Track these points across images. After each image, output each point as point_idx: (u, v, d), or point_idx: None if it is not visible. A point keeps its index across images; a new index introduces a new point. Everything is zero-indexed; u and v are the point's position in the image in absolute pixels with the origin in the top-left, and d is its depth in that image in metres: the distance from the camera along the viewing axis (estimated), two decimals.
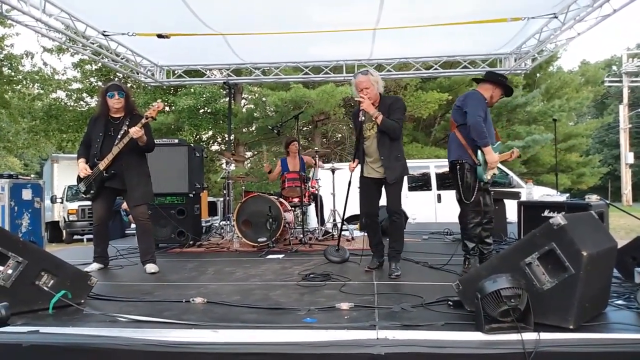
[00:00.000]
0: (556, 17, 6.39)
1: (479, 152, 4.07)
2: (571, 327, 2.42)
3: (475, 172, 4.12)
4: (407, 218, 7.42)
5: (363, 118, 4.19)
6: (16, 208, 6.83)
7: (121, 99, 4.44)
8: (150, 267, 4.46)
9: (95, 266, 4.58)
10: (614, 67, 35.50)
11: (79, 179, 4.54)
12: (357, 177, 4.38)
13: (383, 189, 4.26)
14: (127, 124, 4.44)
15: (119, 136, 4.39)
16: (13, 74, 17.78)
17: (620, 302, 2.99)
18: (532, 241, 2.58)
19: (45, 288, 3.01)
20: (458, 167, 4.17)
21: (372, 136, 4.23)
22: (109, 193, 4.58)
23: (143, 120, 4.33)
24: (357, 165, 4.37)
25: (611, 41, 62.34)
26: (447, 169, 10.81)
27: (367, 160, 4.30)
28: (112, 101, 4.43)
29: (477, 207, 4.15)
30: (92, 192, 4.49)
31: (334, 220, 6.90)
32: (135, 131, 4.25)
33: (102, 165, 4.39)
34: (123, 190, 4.53)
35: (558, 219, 2.49)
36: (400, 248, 4.25)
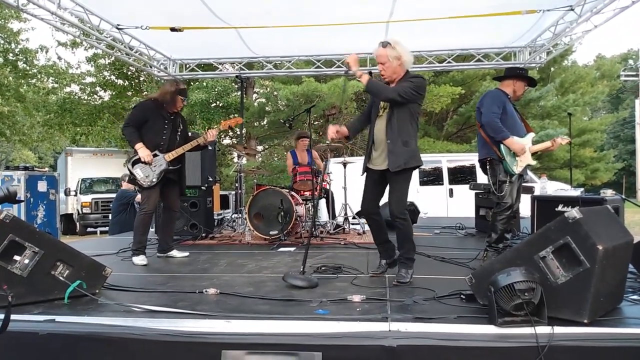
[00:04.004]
0: (572, 10, 6.29)
1: (502, 146, 4.19)
2: (585, 321, 2.40)
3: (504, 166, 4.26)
4: (418, 212, 7.38)
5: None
6: (32, 200, 6.93)
7: (185, 102, 4.90)
8: (177, 252, 4.87)
9: (142, 259, 4.55)
10: (631, 61, 34.88)
11: (136, 164, 4.53)
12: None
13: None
14: (181, 122, 4.86)
15: (179, 132, 4.79)
16: (28, 68, 17.95)
17: (635, 297, 2.96)
18: (546, 235, 2.56)
19: (61, 278, 3.04)
20: (488, 164, 4.33)
21: (384, 117, 3.62)
22: (162, 184, 4.67)
23: (221, 127, 5.15)
24: (336, 132, 3.70)
25: (628, 34, 61.20)
26: (459, 164, 10.90)
27: (373, 148, 3.71)
28: (182, 104, 4.79)
29: (508, 201, 4.20)
30: (153, 180, 4.55)
31: (345, 214, 6.90)
32: (213, 134, 4.82)
33: (168, 157, 4.62)
34: (173, 182, 4.80)
35: (573, 212, 2.46)
36: (410, 255, 3.61)
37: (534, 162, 4.40)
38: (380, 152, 3.64)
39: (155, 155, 4.56)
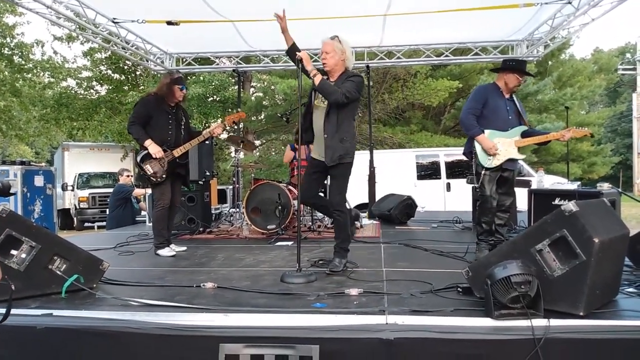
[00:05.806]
0: (570, 3, 6.26)
1: (475, 142, 4.28)
2: (581, 313, 2.41)
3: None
4: (416, 206, 7.39)
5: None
6: (29, 194, 6.91)
7: (185, 91, 4.85)
8: (174, 246, 4.85)
9: (169, 250, 4.69)
10: (628, 55, 34.93)
11: (146, 160, 4.57)
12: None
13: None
14: (183, 114, 4.88)
15: (183, 126, 4.82)
16: (24, 62, 17.85)
17: (631, 289, 2.97)
18: (543, 228, 2.57)
19: (58, 272, 3.05)
20: (472, 157, 4.39)
21: (321, 108, 3.79)
22: (172, 178, 4.76)
23: (226, 124, 5.19)
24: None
25: (625, 28, 61.19)
26: (456, 158, 10.91)
27: (315, 137, 3.89)
28: (181, 92, 4.76)
29: (484, 193, 4.24)
30: (163, 176, 4.61)
31: None
32: (219, 131, 4.94)
33: (176, 152, 4.68)
34: (180, 176, 4.89)
35: (570, 205, 2.47)
36: (344, 245, 3.82)
37: (520, 156, 4.30)
38: (318, 142, 3.84)
39: (164, 151, 4.61)
